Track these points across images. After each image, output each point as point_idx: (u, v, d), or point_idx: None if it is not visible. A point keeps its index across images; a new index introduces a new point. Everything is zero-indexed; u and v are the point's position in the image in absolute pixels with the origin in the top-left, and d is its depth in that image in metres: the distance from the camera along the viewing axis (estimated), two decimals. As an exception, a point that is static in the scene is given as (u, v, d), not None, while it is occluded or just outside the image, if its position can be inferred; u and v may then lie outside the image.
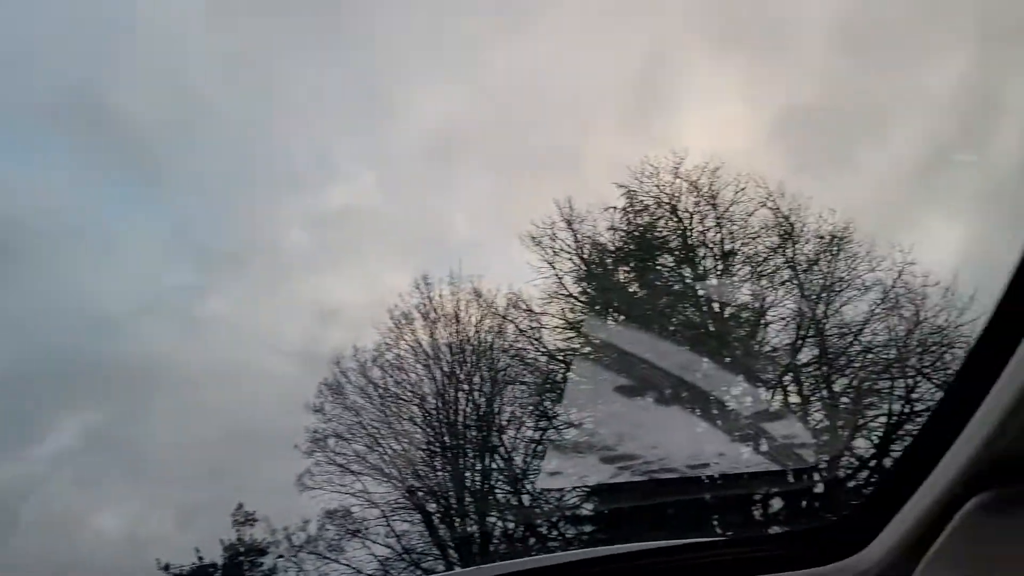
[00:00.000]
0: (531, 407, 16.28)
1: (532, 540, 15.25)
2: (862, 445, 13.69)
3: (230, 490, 17.27)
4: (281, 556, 15.74)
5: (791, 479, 12.23)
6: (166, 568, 15.03)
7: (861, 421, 14.05)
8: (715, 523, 11.88)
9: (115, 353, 20.03)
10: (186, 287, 22.10)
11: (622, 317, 15.38)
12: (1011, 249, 0.93)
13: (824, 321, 14.95)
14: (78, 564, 17.43)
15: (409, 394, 17.11)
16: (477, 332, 17.21)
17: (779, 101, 18.10)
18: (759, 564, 1.48)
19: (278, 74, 20.16)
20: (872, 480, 12.79)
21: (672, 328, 14.51)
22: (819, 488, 12.98)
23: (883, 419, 13.84)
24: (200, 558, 15.33)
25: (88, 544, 18.18)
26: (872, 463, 13.36)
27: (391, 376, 17.28)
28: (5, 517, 17.17)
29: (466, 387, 16.93)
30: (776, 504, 12.84)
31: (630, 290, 15.84)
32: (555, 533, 15.16)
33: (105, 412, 20.27)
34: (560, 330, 16.15)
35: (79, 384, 19.54)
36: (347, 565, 15.71)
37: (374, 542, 16.11)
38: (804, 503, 12.64)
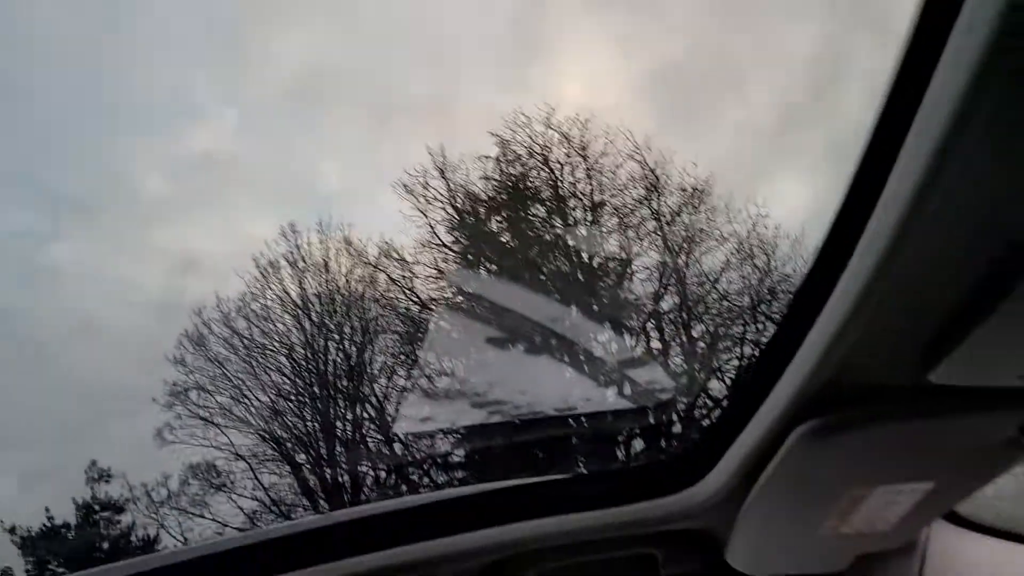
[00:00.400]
0: (403, 356, 16.27)
1: (405, 488, 15.38)
2: (715, 385, 14.66)
3: (82, 449, 16.34)
4: (141, 513, 15.14)
5: (648, 418, 12.90)
6: (11, 530, 14.13)
7: (715, 362, 15.00)
8: (575, 461, 12.42)
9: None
10: (26, 233, 20.32)
11: (494, 267, 15.53)
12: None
13: (685, 270, 15.72)
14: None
15: (277, 344, 16.67)
16: (347, 281, 16.92)
17: (648, 57, 18.54)
18: (603, 498, 1.54)
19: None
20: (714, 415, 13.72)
21: (542, 277, 14.80)
22: (675, 426, 13.77)
23: (734, 360, 14.85)
24: (50, 518, 14.51)
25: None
26: (719, 400, 14.31)
27: (257, 326, 16.76)
28: None
29: (336, 337, 16.67)
30: (630, 441, 13.59)
31: (502, 240, 15.98)
32: (427, 480, 15.34)
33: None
34: (432, 279, 16.16)
35: None
36: (212, 519, 15.33)
37: (241, 495, 15.78)
38: (661, 440, 13.39)
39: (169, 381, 15.79)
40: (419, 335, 16.08)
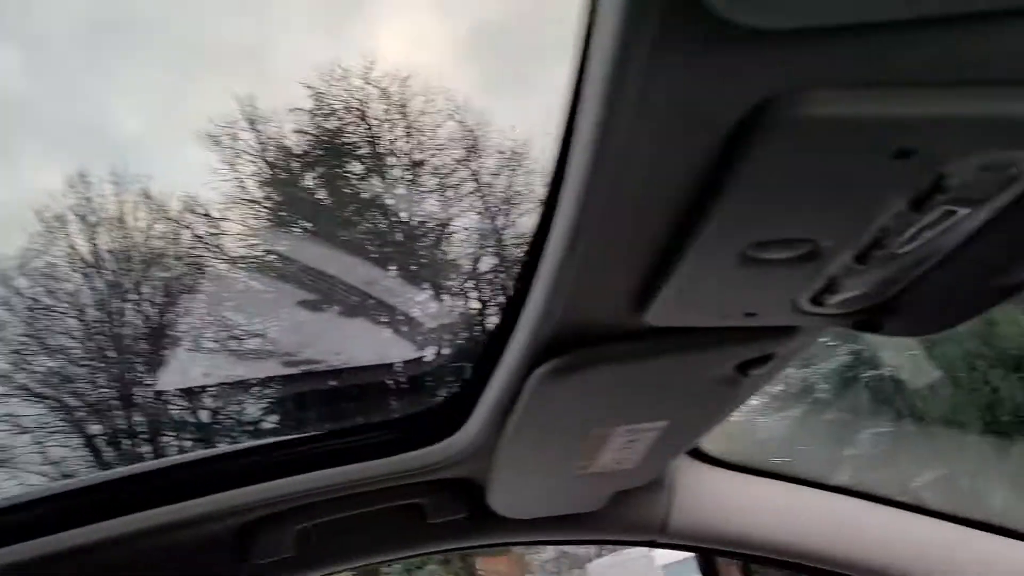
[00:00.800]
0: (209, 317, 15.39)
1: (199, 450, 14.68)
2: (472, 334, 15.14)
3: None
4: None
5: (414, 369, 13.10)
6: None
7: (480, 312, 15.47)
8: (337, 415, 12.44)
9: None
10: None
11: (309, 224, 15.02)
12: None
13: (503, 232, 16.01)
14: None
15: (65, 305, 15.22)
16: (147, 238, 15.69)
17: (470, 16, 18.45)
18: (364, 451, 1.53)
19: None
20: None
21: (359, 237, 14.52)
22: (440, 376, 14.06)
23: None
24: None
25: None
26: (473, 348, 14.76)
27: (41, 285, 15.19)
28: None
29: (134, 297, 15.47)
30: (393, 394, 13.77)
31: (317, 197, 15.46)
32: (230, 438, 14.76)
33: None
34: (242, 237, 15.36)
35: None
36: (-11, 497, 13.90)
37: (25, 471, 14.40)
38: (424, 392, 13.65)
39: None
40: (227, 295, 15.30)
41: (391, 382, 12.99)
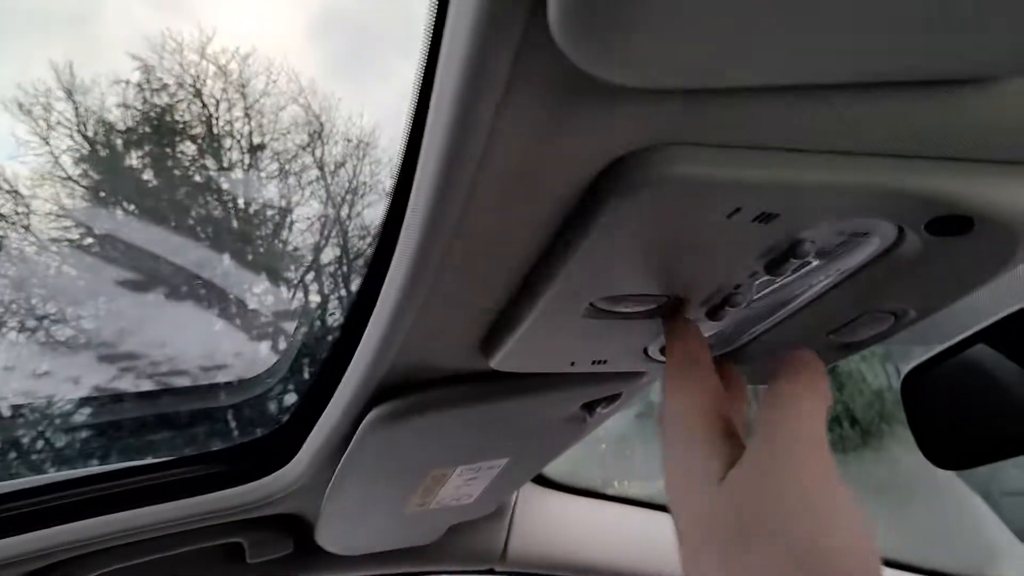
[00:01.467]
0: (13, 303, 13.91)
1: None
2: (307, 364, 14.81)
3: None
4: None
5: (240, 396, 12.64)
6: None
7: (321, 334, 15.18)
8: (152, 445, 11.73)
9: None
10: None
11: (132, 206, 13.92)
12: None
13: (347, 222, 15.57)
14: None
15: None
16: (-62, 213, 13.95)
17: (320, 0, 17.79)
18: (179, 488, 1.37)
19: None
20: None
21: (191, 222, 13.63)
22: (268, 405, 13.63)
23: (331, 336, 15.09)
24: None
25: None
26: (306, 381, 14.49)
27: None
28: None
29: (-80, 280, 13.71)
30: (217, 425, 13.16)
31: (143, 177, 14.33)
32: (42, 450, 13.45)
33: None
34: (55, 217, 13.96)
35: None
36: None
37: None
38: (250, 423, 13.18)
39: None
40: (34, 279, 13.89)
41: (210, 408, 12.14)
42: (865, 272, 0.81)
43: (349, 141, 15.69)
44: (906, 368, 1.38)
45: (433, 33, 0.60)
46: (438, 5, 0.58)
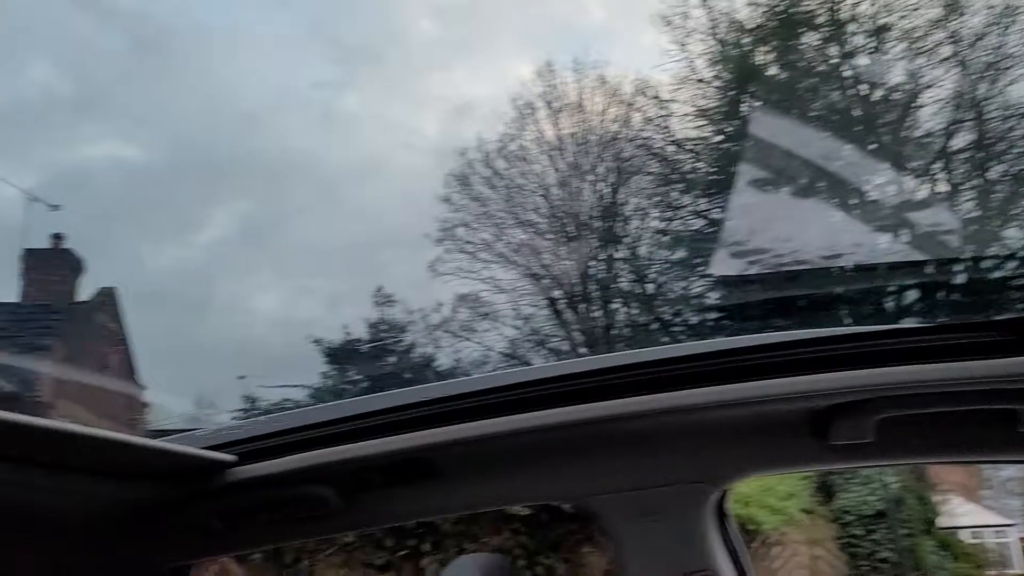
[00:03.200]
0: (657, 197, 16.07)
1: (655, 326, 15.69)
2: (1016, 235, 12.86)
3: (369, 277, 18.50)
4: (419, 334, 16.99)
5: (934, 270, 11.74)
6: (317, 342, 16.56)
7: (1013, 210, 13.12)
8: (847, 314, 11.70)
9: (257, 149, 21.09)
10: (323, 83, 22.39)
11: (758, 101, 14.48)
12: None
13: (985, 102, 13.56)
14: (251, 340, 19.66)
15: (534, 185, 17.20)
16: (602, 121, 16.75)
17: None
18: (960, 350, 1.43)
19: None
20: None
21: (814, 113, 13.58)
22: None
23: None
24: (348, 334, 16.78)
25: (256, 324, 20.30)
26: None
27: (515, 167, 17.34)
28: (178, 300, 19.24)
29: (590, 177, 16.81)
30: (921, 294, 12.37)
31: (769, 72, 14.73)
32: (679, 320, 15.49)
33: (252, 206, 21.73)
34: (690, 117, 15.48)
35: (226, 178, 20.89)
36: (479, 343, 16.83)
37: (503, 323, 17.07)
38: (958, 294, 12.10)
39: (439, 218, 17.07)
40: (674, 176, 15.73)
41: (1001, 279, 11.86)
42: None
43: (992, 8, 13.47)
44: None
45: None
46: None
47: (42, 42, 19.97)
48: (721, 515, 1.40)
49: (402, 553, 5.68)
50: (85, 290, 10.41)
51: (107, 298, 10.20)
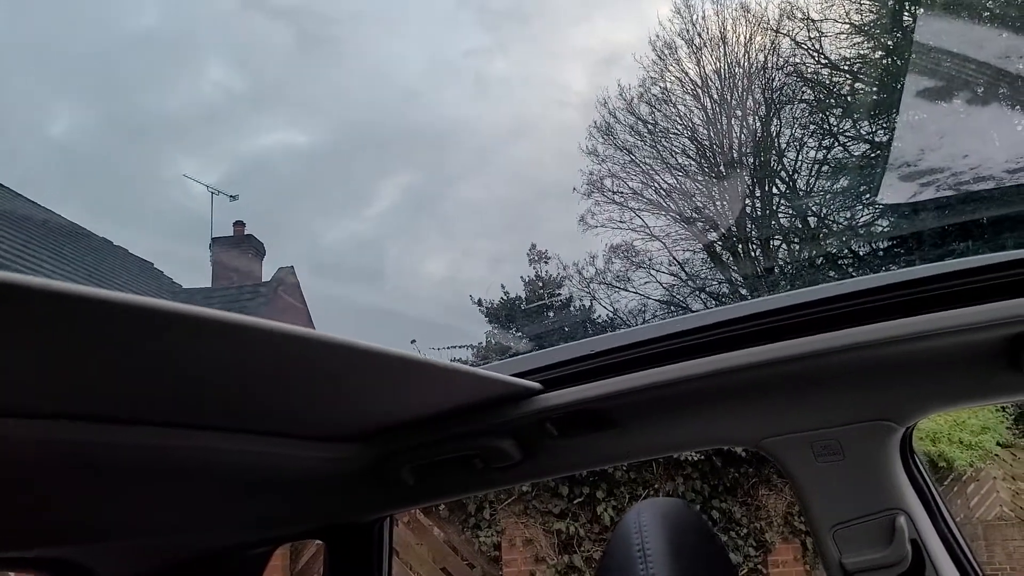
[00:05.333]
0: (813, 126, 15.15)
1: (821, 261, 14.95)
2: None
3: (523, 235, 18.87)
4: (575, 287, 17.17)
5: None
6: (479, 303, 17.12)
7: None
8: None
9: (417, 121, 21.99)
10: (474, 50, 22.87)
11: (922, 7, 13.24)
12: None
13: None
14: (422, 301, 20.77)
15: (679, 127, 16.74)
16: (747, 52, 15.94)
17: None
18: None
19: None
20: None
21: (989, 11, 12.25)
22: None
23: None
24: (506, 293, 17.23)
25: (423, 287, 21.36)
26: None
27: (659, 111, 16.92)
28: (356, 269, 20.59)
29: (739, 112, 16.11)
30: None
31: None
32: (846, 252, 14.68)
33: (415, 177, 22.72)
34: (845, 36, 14.40)
35: (390, 152, 21.98)
36: (635, 292, 16.76)
37: (658, 271, 16.87)
38: None
39: (586, 171, 17.02)
40: (831, 101, 14.76)
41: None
42: None
43: None
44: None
45: None
46: None
47: (216, 46, 21.72)
48: (907, 453, 1.38)
49: (578, 501, 5.89)
50: (268, 270, 11.36)
51: (287, 275, 11.05)
